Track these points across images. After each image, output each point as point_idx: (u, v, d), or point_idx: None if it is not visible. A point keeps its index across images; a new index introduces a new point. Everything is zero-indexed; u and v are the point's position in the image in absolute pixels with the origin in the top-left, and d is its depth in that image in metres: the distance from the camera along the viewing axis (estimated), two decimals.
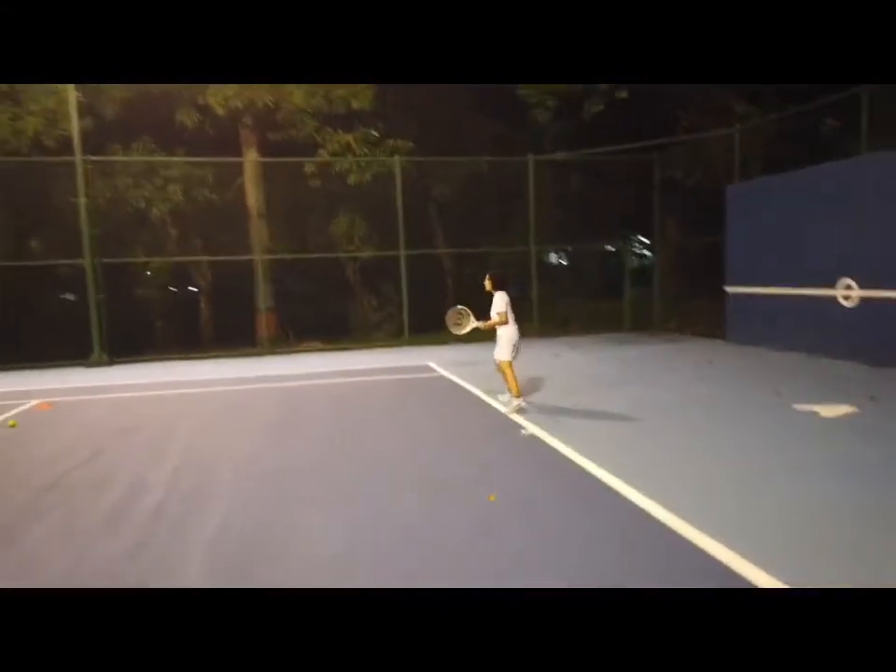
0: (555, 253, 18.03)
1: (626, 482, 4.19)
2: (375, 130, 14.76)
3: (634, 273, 15.45)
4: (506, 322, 6.38)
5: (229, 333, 15.10)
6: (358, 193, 14.25)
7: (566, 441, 5.21)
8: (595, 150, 14.09)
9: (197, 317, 16.40)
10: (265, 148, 14.61)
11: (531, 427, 5.72)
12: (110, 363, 11.85)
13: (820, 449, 4.80)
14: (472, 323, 6.59)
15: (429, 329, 12.78)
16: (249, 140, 14.65)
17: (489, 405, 6.85)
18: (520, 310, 7.28)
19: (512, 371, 6.42)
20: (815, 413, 5.80)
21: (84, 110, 12.62)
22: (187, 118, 13.53)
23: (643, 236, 17.20)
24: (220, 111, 13.17)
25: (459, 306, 6.72)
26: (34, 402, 7.94)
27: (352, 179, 14.03)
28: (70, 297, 14.72)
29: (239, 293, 15.37)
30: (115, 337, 12.48)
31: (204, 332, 16.12)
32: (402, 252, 13.37)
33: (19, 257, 13.22)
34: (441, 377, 8.91)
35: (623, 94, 13.74)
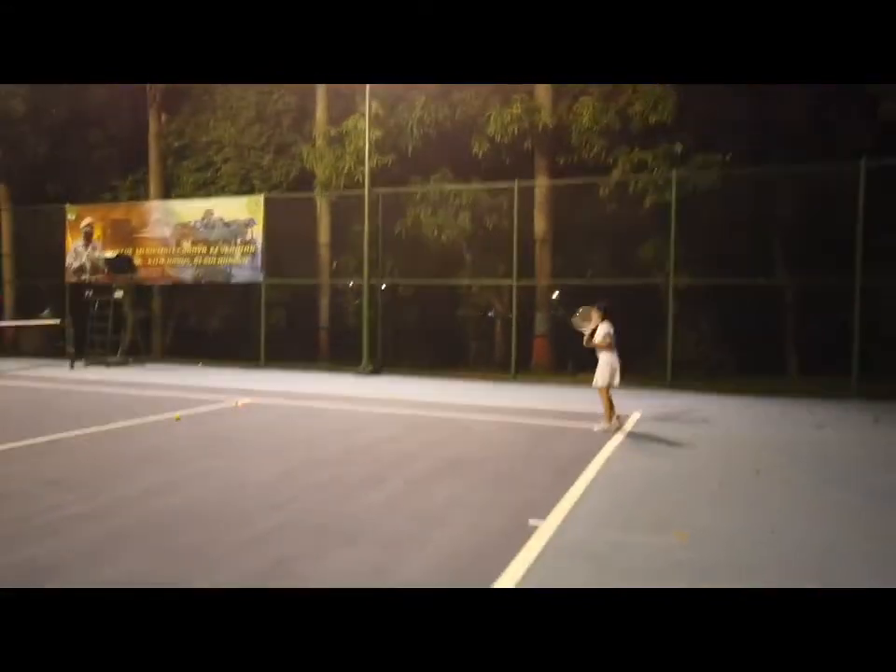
0: None
1: None
2: (680, 143, 12.99)
3: None
4: (608, 348, 7.20)
5: (502, 357, 14.94)
6: (659, 215, 12.68)
7: None
8: None
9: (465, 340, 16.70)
10: (555, 173, 14.16)
11: None
12: (374, 373, 12.93)
13: None
14: (588, 325, 7.39)
15: (753, 373, 10.75)
16: (540, 165, 14.38)
17: None
18: None
19: (608, 396, 7.22)
20: None
21: (388, 148, 14.13)
22: (479, 146, 13.96)
23: None
24: (498, 137, 13.23)
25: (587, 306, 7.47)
26: (240, 401, 9.05)
27: (649, 200, 12.64)
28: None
29: (524, 317, 15.20)
30: (396, 350, 13.66)
31: (482, 354, 16.30)
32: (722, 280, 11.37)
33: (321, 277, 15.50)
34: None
35: None
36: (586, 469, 5.61)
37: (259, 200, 14.37)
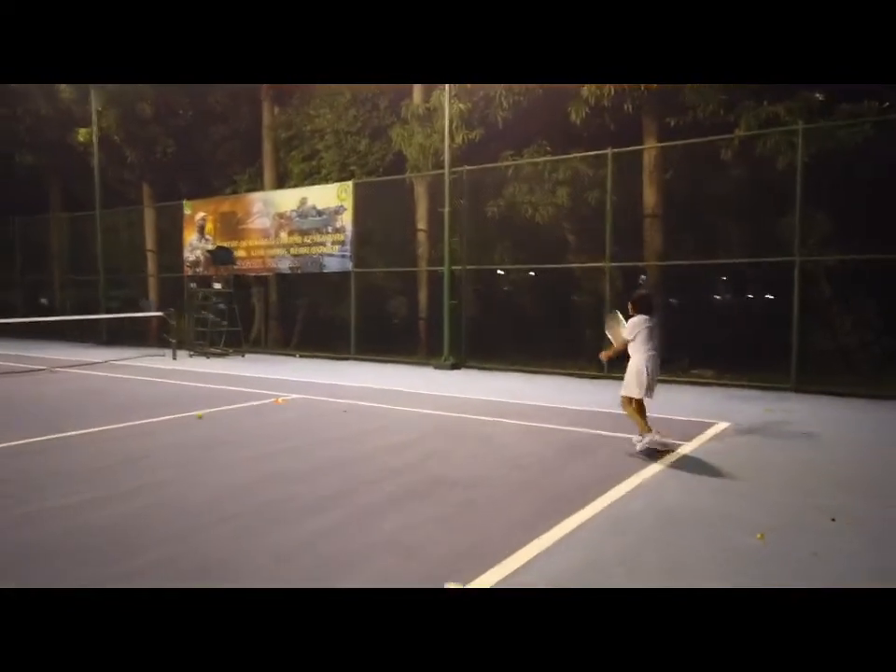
0: None
1: None
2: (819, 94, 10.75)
3: None
4: (619, 349, 6.00)
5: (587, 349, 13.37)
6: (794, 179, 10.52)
7: None
8: None
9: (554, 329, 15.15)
10: (665, 138, 12.32)
11: None
12: (453, 367, 12.10)
13: None
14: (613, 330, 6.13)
15: None
16: (648, 128, 12.59)
17: None
18: None
19: (634, 408, 5.87)
20: None
21: (476, 122, 13.14)
22: (576, 114, 12.51)
23: None
24: (592, 100, 11.71)
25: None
26: (282, 397, 8.65)
27: (782, 161, 10.58)
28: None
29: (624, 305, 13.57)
30: (481, 342, 12.73)
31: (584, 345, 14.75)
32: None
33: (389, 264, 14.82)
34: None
35: None
36: (593, 502, 4.40)
37: (348, 186, 14.05)
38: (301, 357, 14.51)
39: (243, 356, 14.46)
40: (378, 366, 12.91)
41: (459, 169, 12.59)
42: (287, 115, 17.32)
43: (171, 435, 6.50)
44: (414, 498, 4.51)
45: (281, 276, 15.86)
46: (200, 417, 7.28)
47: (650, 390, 5.79)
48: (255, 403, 8.36)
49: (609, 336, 6.19)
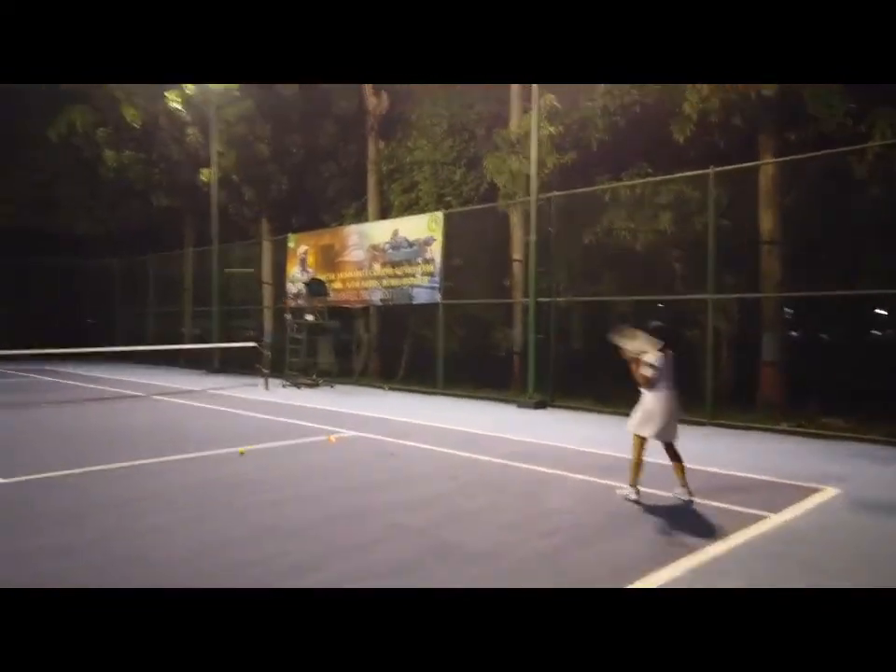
0: None
1: None
2: None
3: None
4: (645, 384, 5.31)
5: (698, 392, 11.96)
6: None
7: None
8: None
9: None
10: (783, 155, 10.89)
11: None
12: (538, 406, 11.23)
13: None
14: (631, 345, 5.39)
15: None
16: (765, 144, 11.21)
17: None
18: None
19: (638, 450, 5.37)
20: None
21: (569, 145, 12.40)
22: (679, 132, 11.41)
23: None
24: (694, 116, 10.57)
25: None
26: (335, 435, 8.28)
27: None
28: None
29: (746, 341, 12.05)
30: (575, 379, 11.79)
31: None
32: None
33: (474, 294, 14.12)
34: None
35: None
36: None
37: (438, 216, 13.73)
38: (389, 389, 14.25)
39: (332, 386, 14.43)
40: (463, 402, 12.32)
41: (546, 196, 11.86)
42: (391, 148, 17.48)
43: (199, 473, 6.28)
44: (398, 573, 3.84)
45: (385, 308, 15.78)
46: (242, 454, 7.05)
47: (665, 432, 5.29)
48: (308, 440, 8.05)
49: (625, 350, 5.45)
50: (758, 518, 4.91)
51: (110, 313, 24.56)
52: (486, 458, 7.04)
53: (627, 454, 6.42)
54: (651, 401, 5.30)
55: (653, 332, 5.41)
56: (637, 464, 5.39)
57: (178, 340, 21.65)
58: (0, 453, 7.29)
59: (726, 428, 9.38)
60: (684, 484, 5.40)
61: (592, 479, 6.15)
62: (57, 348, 14.59)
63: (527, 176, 12.65)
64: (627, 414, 10.27)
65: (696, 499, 5.35)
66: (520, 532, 4.59)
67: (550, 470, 6.48)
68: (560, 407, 11.30)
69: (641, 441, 5.36)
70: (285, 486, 5.79)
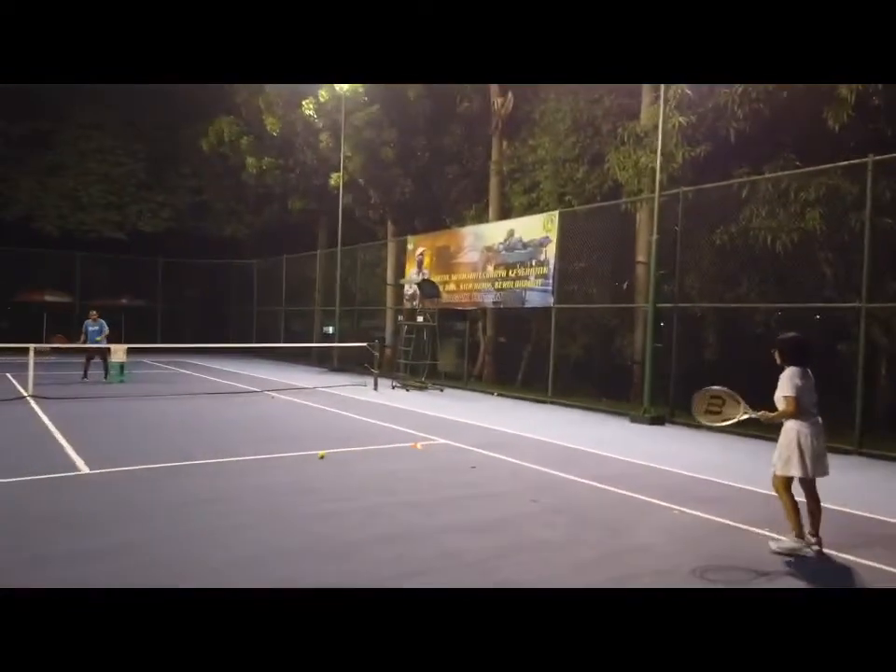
0: None
1: None
2: None
3: None
4: (792, 413, 4.32)
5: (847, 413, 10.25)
6: None
7: None
8: None
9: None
10: None
11: None
12: (654, 421, 10.21)
13: None
14: (742, 413, 4.42)
15: None
16: None
17: None
18: None
19: (789, 493, 4.41)
20: None
21: (703, 136, 11.24)
22: (834, 119, 9.93)
23: None
24: (851, 97, 9.10)
25: (716, 387, 4.63)
26: (422, 443, 7.89)
27: None
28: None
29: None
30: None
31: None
32: None
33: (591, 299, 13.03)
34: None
35: None
36: None
37: (553, 216, 13.02)
38: (499, 395, 13.73)
39: (441, 390, 14.15)
40: (573, 413, 11.54)
41: (673, 192, 10.80)
42: (514, 148, 16.98)
43: (272, 476, 6.14)
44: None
45: (509, 311, 15.29)
46: (322, 457, 6.86)
47: (818, 467, 4.30)
48: (395, 446, 7.75)
49: (701, 416, 4.65)
50: None
51: (249, 311, 26.06)
52: (578, 479, 6.34)
53: (748, 484, 5.46)
54: (792, 432, 4.35)
55: (783, 347, 4.54)
56: (794, 509, 4.43)
57: (310, 338, 22.54)
58: (93, 443, 7.64)
59: (879, 460, 7.94)
60: (815, 533, 4.43)
61: (696, 513, 5.28)
62: (196, 344, 15.57)
63: (654, 171, 11.63)
64: (757, 437, 9.12)
65: (831, 552, 4.37)
66: (591, 573, 3.92)
67: (647, 498, 5.68)
68: (680, 424, 10.22)
69: (785, 481, 4.44)
70: (348, 496, 5.47)
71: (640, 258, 13.21)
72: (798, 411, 4.30)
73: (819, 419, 4.41)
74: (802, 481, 4.38)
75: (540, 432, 9.07)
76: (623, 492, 5.90)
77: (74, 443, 7.17)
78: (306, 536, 4.42)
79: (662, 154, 11.04)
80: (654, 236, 10.51)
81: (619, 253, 13.44)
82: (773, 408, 4.46)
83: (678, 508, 5.42)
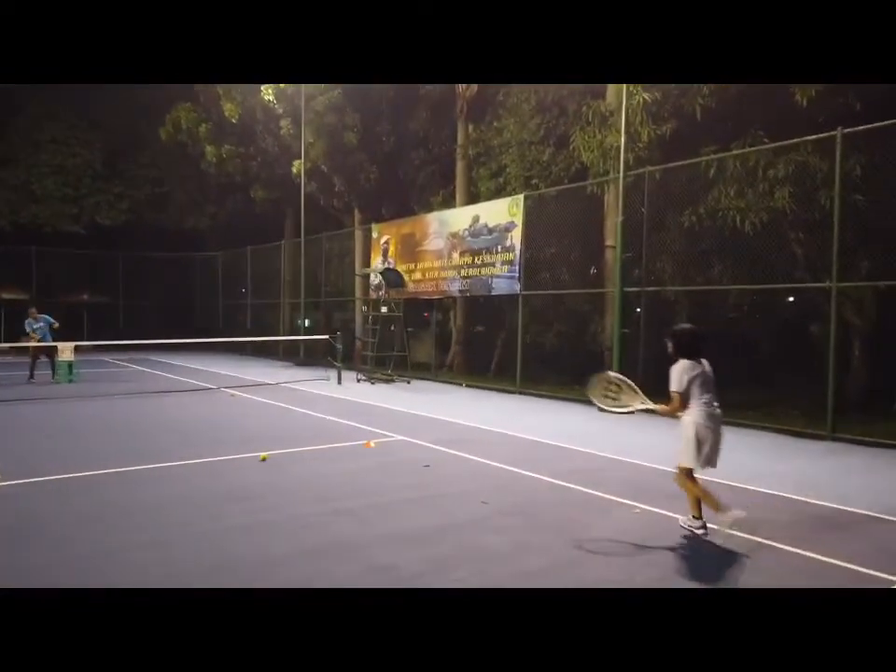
0: None
1: None
2: None
3: None
4: (676, 408, 4.31)
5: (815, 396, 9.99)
6: None
7: None
8: None
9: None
10: None
11: None
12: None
13: None
14: (637, 403, 4.51)
15: None
16: None
17: None
18: None
19: (694, 483, 4.37)
20: None
21: (668, 114, 10.85)
22: (801, 95, 9.57)
23: None
24: None
25: (615, 374, 4.83)
26: (374, 441, 7.43)
27: None
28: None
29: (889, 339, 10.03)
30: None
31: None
32: None
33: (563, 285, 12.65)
34: None
35: None
36: None
37: (518, 200, 12.59)
38: (466, 386, 13.31)
39: (408, 382, 13.69)
40: (542, 403, 11.15)
41: (639, 171, 10.41)
42: (480, 131, 16.49)
43: (199, 481, 5.65)
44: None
45: (482, 299, 14.84)
46: (263, 459, 6.38)
47: (709, 461, 4.32)
48: (346, 444, 7.28)
49: (598, 400, 4.76)
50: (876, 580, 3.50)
51: (214, 305, 25.34)
52: (537, 476, 5.93)
53: (725, 478, 5.13)
54: (688, 425, 4.32)
55: (674, 339, 4.46)
56: (703, 494, 4.38)
57: (275, 332, 21.92)
58: (8, 450, 7.08)
59: (852, 444, 7.65)
60: (693, 507, 4.46)
61: (658, 510, 4.90)
62: (158, 340, 14.95)
63: (619, 151, 11.22)
64: (737, 425, 8.80)
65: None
66: (536, 585, 3.49)
67: (608, 496, 5.29)
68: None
69: (687, 472, 4.41)
70: (278, 503, 4.99)
71: (609, 241, 12.84)
72: (683, 406, 4.30)
73: (717, 410, 4.34)
74: (687, 472, 4.39)
75: (504, 425, 8.66)
76: (584, 489, 5.52)
77: None
78: (220, 553, 3.95)
79: (626, 133, 10.63)
80: (619, 218, 10.13)
81: (587, 237, 13.05)
82: None
83: (639, 506, 5.03)
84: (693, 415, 4.29)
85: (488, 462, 6.47)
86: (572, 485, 5.63)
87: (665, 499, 5.12)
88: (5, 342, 19.42)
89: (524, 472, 6.07)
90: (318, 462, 6.45)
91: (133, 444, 7.16)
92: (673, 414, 4.40)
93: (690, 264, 11.45)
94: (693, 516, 4.43)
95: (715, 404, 4.33)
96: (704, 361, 4.39)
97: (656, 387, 10.28)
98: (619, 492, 5.41)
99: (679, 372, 4.31)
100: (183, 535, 4.25)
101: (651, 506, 5.03)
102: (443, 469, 6.22)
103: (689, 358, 4.34)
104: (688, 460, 4.32)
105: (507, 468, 6.25)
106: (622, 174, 10.15)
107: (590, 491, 5.47)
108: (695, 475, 4.41)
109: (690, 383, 4.28)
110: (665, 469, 6.26)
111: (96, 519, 4.58)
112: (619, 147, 10.84)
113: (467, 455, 6.74)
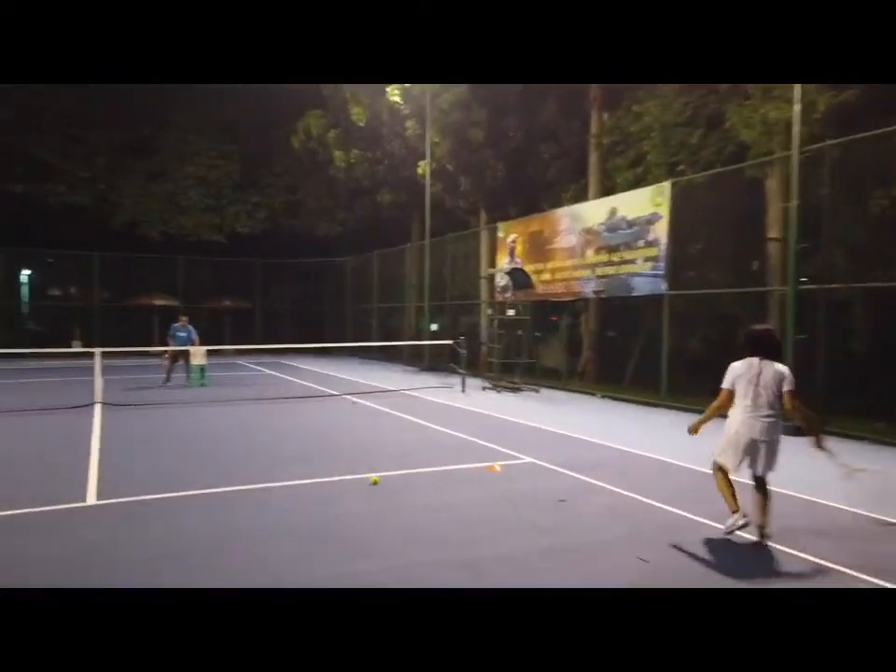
0: None
1: None
2: None
3: None
4: (720, 404, 4.49)
5: None
6: None
7: None
8: None
9: None
10: None
11: None
12: (798, 432, 8.19)
13: None
14: None
15: None
16: None
17: None
18: None
19: (722, 477, 4.44)
20: None
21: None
22: None
23: None
24: None
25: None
26: (499, 464, 6.45)
27: None
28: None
29: None
30: (854, 397, 8.54)
31: None
32: None
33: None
34: None
35: None
36: None
37: (664, 187, 11.15)
38: (603, 397, 12.04)
39: (537, 391, 12.63)
40: (691, 418, 9.67)
41: (817, 146, 8.71)
42: (616, 118, 15.12)
43: (296, 508, 4.97)
44: None
45: (617, 301, 13.56)
46: (374, 483, 5.63)
47: (750, 465, 4.31)
48: (468, 466, 6.40)
49: None
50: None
51: (343, 309, 25.60)
52: (711, 524, 4.71)
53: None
54: (733, 423, 4.41)
55: (745, 338, 4.52)
56: (729, 489, 4.45)
57: (401, 336, 21.64)
58: (130, 463, 6.82)
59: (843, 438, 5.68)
60: (732, 508, 4.38)
61: (804, 556, 3.57)
62: (291, 344, 14.99)
63: (788, 126, 9.54)
64: None
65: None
66: None
67: (781, 547, 4.01)
68: (836, 434, 8.11)
69: (722, 472, 4.45)
70: (379, 548, 4.17)
71: (771, 233, 11.11)
72: (727, 402, 4.40)
73: (762, 417, 4.22)
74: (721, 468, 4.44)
75: (654, 447, 7.41)
76: (788, 550, 4.23)
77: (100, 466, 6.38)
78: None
79: (799, 102, 8.96)
80: (793, 202, 8.47)
81: (744, 229, 11.37)
82: None
83: (819, 560, 3.71)
84: (731, 414, 4.39)
85: (639, 498, 5.33)
86: (747, 535, 4.38)
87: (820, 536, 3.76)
88: (158, 345, 20.44)
89: (692, 517, 4.87)
90: (434, 489, 5.60)
91: (239, 459, 6.72)
92: (718, 411, 4.48)
93: (873, 258, 9.53)
94: (733, 512, 4.34)
95: (762, 412, 4.21)
96: (765, 364, 4.27)
97: (847, 403, 8.56)
98: (848, 561, 4.10)
99: (729, 370, 4.43)
100: (224, 570, 3.53)
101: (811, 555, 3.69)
102: (583, 504, 5.16)
103: (752, 356, 4.34)
104: (722, 457, 4.42)
105: (667, 508, 5.08)
106: (795, 150, 8.50)
107: (782, 548, 4.19)
108: (730, 476, 4.37)
109: (735, 382, 4.36)
110: (846, 508, 4.81)
111: (186, 553, 4.00)
112: (788, 121, 9.18)
113: (611, 488, 5.63)
